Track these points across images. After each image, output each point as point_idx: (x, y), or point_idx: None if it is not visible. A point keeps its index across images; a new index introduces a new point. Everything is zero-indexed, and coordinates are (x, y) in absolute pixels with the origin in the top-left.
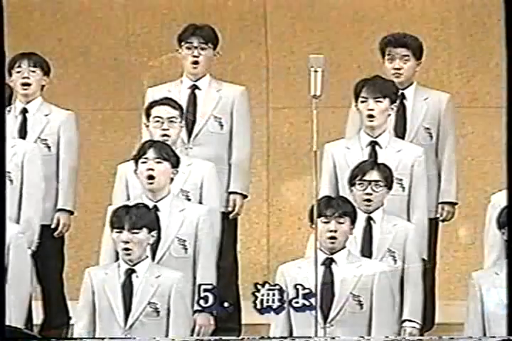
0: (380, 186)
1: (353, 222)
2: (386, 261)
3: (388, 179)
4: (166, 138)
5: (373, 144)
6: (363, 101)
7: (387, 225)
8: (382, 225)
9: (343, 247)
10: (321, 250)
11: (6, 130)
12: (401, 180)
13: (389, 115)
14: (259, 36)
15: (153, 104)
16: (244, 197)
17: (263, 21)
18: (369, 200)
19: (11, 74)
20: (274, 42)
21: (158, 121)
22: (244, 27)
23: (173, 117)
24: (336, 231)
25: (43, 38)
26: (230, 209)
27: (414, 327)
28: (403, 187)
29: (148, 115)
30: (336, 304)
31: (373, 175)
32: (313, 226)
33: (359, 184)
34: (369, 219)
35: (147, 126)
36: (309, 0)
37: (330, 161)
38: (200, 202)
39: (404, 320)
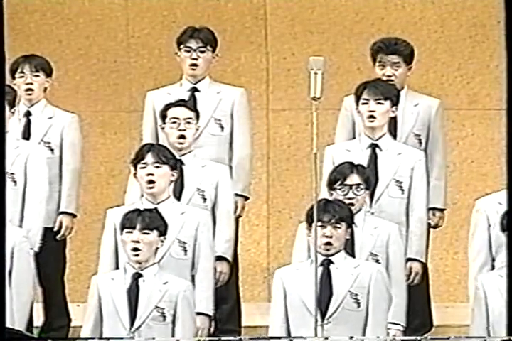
0: (361, 189)
1: (349, 225)
2: None
3: (368, 181)
4: (182, 139)
5: (373, 147)
6: (364, 103)
7: (369, 228)
8: (363, 228)
9: (340, 250)
10: (319, 252)
11: (5, 130)
12: (401, 182)
13: (390, 118)
14: (259, 38)
15: (170, 105)
16: (246, 198)
17: (263, 23)
18: (351, 204)
19: (13, 77)
20: (274, 44)
21: (175, 122)
22: (244, 29)
23: (190, 118)
24: (331, 237)
25: (43, 39)
26: None
27: (398, 330)
28: (402, 190)
29: (164, 117)
30: (334, 301)
31: (354, 178)
32: (311, 233)
33: (340, 188)
34: None
35: (163, 129)
36: (309, 2)
37: (330, 164)
38: (215, 203)
39: (388, 323)
